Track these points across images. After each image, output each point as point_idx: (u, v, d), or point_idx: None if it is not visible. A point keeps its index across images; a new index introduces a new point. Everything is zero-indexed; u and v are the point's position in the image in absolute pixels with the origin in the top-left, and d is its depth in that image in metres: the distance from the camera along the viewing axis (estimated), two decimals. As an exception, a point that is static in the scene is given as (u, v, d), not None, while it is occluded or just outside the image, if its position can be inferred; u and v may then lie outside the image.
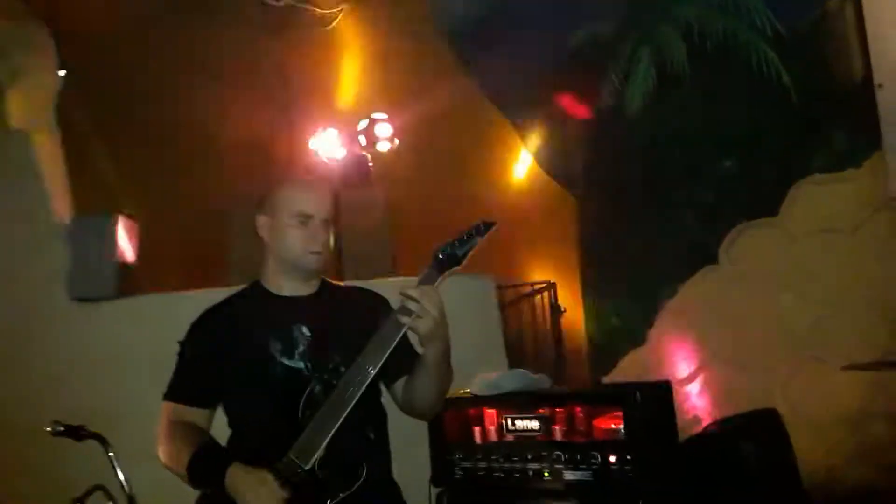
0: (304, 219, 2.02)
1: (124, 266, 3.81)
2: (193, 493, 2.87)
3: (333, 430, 1.85)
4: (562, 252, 5.42)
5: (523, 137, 5.63)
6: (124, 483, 2.73)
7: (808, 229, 4.40)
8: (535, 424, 2.63)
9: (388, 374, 2.06)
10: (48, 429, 2.59)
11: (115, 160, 4.75)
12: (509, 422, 2.68)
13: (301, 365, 2.01)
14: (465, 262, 1.94)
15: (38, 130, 4.17)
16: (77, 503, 2.75)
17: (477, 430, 2.79)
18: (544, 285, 5.58)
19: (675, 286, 4.78)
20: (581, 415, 2.60)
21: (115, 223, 3.74)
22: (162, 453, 2.04)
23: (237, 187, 4.35)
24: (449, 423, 2.78)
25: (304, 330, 2.04)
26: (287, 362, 2.01)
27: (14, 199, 3.88)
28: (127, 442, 2.65)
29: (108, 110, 4.85)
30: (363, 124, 4.69)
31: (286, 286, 2.11)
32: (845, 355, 4.15)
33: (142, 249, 4.01)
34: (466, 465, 2.75)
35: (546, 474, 2.56)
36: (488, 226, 1.96)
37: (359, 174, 4.59)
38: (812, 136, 4.45)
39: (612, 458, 2.45)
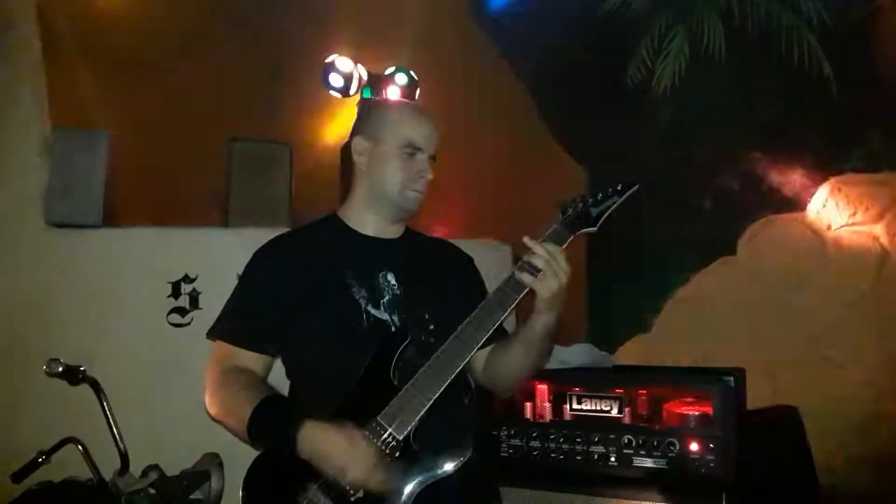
0: (413, 150, 1.78)
1: (112, 192, 3.36)
2: (182, 444, 2.56)
3: (433, 400, 1.58)
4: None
5: (539, 102, 5.36)
6: (118, 437, 2.37)
7: (836, 228, 4.30)
8: (603, 404, 2.38)
9: None
10: (44, 367, 2.21)
11: (97, 76, 4.22)
12: (574, 400, 2.42)
13: (387, 317, 1.74)
14: (600, 224, 1.71)
15: (16, 25, 3.64)
16: (44, 456, 2.38)
17: (528, 405, 2.53)
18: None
19: (688, 275, 4.63)
20: (653, 398, 2.37)
21: (106, 140, 3.28)
22: (212, 403, 1.75)
23: (239, 119, 3.93)
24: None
25: (391, 278, 1.78)
26: (373, 312, 1.73)
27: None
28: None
29: (94, 18, 4.29)
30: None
31: (371, 224, 1.83)
32: (859, 359, 4.09)
33: (130, 177, 3.56)
34: (515, 442, 2.49)
35: (613, 459, 2.33)
36: (629, 186, 1.74)
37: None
38: (849, 133, 4.35)
39: (694, 447, 2.22)
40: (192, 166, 3.98)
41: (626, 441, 2.31)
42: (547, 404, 2.49)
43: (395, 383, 1.62)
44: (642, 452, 2.28)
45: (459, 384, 1.70)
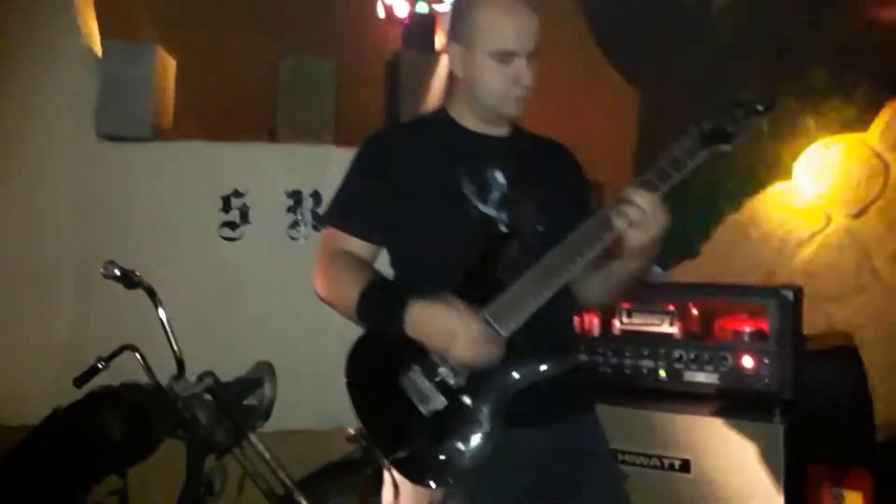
0: (507, 56, 1.66)
1: (161, 105, 3.37)
2: (234, 353, 2.61)
3: (540, 303, 1.55)
4: (614, 152, 5.04)
5: (591, 22, 5.16)
6: (174, 342, 2.43)
7: (900, 152, 4.11)
8: (654, 319, 2.35)
9: None
10: (101, 270, 2.24)
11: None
12: (623, 315, 2.40)
13: (495, 214, 1.69)
14: (734, 143, 1.58)
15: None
16: (104, 362, 2.45)
17: (575, 319, 2.51)
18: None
19: (741, 200, 4.49)
20: (705, 313, 2.34)
21: (154, 53, 3.27)
22: (321, 285, 1.72)
23: (287, 34, 3.87)
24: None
25: (498, 176, 1.72)
26: (482, 208, 1.69)
27: (37, 16, 3.36)
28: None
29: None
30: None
31: (477, 124, 1.77)
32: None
33: (179, 92, 3.56)
34: (563, 356, 2.47)
35: (662, 373, 2.31)
36: (770, 107, 1.60)
37: (422, 36, 4.14)
38: (923, 52, 4.06)
39: (748, 362, 2.19)
40: (241, 82, 3.95)
41: (676, 356, 2.29)
42: (595, 319, 2.47)
43: (502, 281, 1.59)
44: (693, 367, 2.27)
45: (565, 294, 1.65)
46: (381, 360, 1.62)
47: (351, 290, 1.62)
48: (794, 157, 4.35)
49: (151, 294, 2.41)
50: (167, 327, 2.39)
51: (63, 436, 2.37)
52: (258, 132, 3.57)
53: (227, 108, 3.91)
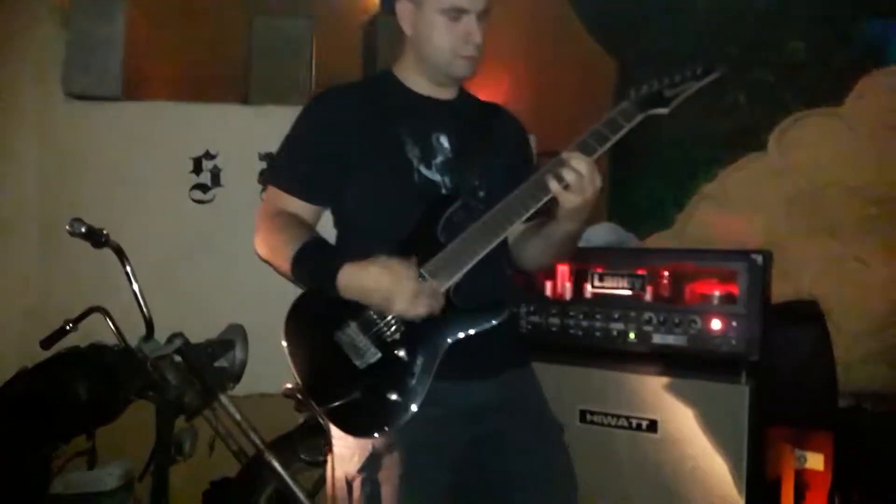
0: (457, 13, 1.65)
1: (131, 64, 3.29)
2: (206, 316, 2.60)
3: (477, 259, 1.57)
4: (589, 121, 5.02)
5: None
6: (143, 302, 2.40)
7: (873, 125, 4.11)
8: (625, 283, 2.37)
9: None
10: (67, 227, 2.21)
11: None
12: (595, 278, 2.41)
13: (438, 178, 1.70)
14: (672, 107, 1.62)
15: None
16: (71, 324, 2.43)
17: (549, 284, 2.53)
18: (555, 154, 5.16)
19: (715, 170, 4.51)
20: (676, 277, 2.36)
21: (125, 10, 3.20)
22: (260, 243, 1.72)
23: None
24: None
25: (444, 140, 1.72)
26: (425, 172, 1.69)
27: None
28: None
29: None
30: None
31: (424, 85, 1.76)
32: (886, 259, 4.03)
33: (150, 51, 3.49)
34: (535, 319, 2.50)
35: (632, 336, 2.33)
36: (707, 72, 1.64)
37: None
38: (897, 25, 4.09)
39: (717, 325, 2.22)
40: (213, 41, 3.87)
41: (646, 318, 2.31)
42: (567, 284, 2.49)
43: (442, 243, 1.60)
44: (662, 330, 2.29)
45: (500, 252, 1.69)
46: (318, 317, 1.62)
47: (286, 251, 1.62)
48: (769, 129, 4.38)
49: (119, 254, 2.38)
50: (136, 288, 2.36)
51: (30, 395, 2.36)
52: (231, 93, 3.49)
53: (199, 68, 3.84)
